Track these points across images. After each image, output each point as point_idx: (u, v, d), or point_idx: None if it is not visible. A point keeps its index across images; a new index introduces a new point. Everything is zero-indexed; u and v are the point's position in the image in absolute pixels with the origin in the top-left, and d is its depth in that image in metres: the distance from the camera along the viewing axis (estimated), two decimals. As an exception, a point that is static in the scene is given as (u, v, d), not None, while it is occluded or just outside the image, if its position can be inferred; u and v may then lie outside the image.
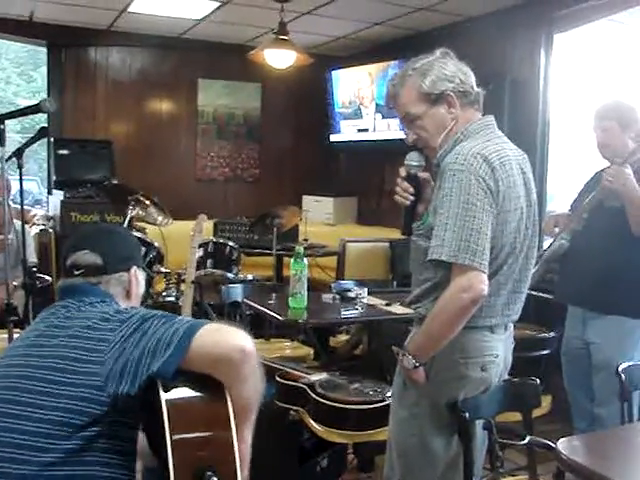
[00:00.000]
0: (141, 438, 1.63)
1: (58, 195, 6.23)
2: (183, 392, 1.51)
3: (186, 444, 1.45)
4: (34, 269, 5.17)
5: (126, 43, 7.20)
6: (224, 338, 1.52)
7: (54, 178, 6.49)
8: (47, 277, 5.09)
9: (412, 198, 2.37)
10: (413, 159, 2.37)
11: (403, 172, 2.38)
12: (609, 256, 3.32)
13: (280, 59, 6.01)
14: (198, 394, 1.53)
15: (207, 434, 1.49)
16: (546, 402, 3.46)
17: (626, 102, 3.46)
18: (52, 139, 6.64)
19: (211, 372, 1.52)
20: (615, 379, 2.56)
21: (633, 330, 3.32)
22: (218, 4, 5.92)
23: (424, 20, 6.12)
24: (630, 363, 2.64)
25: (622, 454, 2.07)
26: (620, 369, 2.54)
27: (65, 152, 6.52)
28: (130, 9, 6.11)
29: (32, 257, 4.89)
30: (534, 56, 5.44)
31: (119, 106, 7.32)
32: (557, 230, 3.60)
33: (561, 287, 3.67)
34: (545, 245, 3.84)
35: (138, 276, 1.88)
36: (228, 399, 1.52)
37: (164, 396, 1.47)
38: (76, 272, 1.77)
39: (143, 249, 4.77)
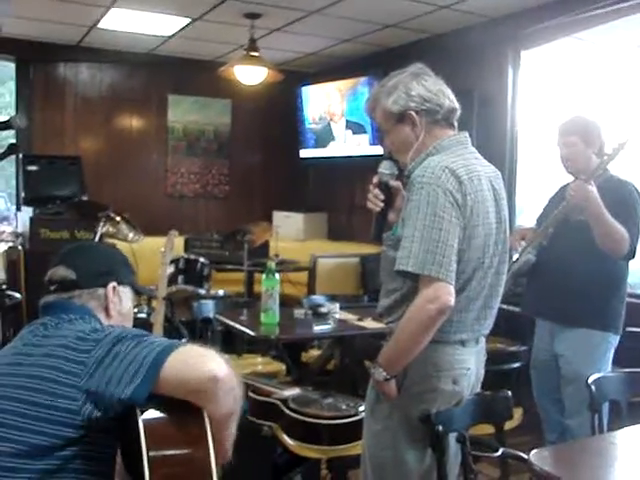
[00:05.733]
0: (117, 458, 1.62)
1: (27, 211, 6.17)
2: (159, 412, 1.51)
3: (163, 463, 1.45)
4: (3, 286, 5.12)
5: (96, 59, 7.18)
6: (195, 367, 1.49)
7: (23, 194, 6.43)
8: (16, 294, 5.03)
9: (382, 205, 2.41)
10: (386, 168, 2.42)
11: (375, 179, 2.43)
12: (575, 270, 3.36)
13: (250, 75, 6.04)
14: (175, 413, 1.52)
15: (184, 452, 1.49)
16: (517, 414, 3.49)
17: (589, 118, 3.50)
18: (21, 155, 6.58)
19: (185, 398, 1.51)
20: (584, 391, 2.59)
21: (600, 342, 3.36)
22: (188, 21, 5.93)
23: (393, 37, 6.19)
24: (600, 375, 2.67)
25: (593, 465, 2.09)
26: (590, 381, 2.57)
27: (34, 168, 6.45)
28: (100, 25, 6.10)
29: (0, 274, 4.83)
30: (502, 72, 5.53)
31: (88, 122, 7.28)
32: (523, 244, 3.63)
33: (529, 301, 3.69)
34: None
35: (120, 293, 1.83)
36: (205, 418, 1.51)
37: (141, 416, 1.47)
38: (51, 288, 1.76)
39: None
